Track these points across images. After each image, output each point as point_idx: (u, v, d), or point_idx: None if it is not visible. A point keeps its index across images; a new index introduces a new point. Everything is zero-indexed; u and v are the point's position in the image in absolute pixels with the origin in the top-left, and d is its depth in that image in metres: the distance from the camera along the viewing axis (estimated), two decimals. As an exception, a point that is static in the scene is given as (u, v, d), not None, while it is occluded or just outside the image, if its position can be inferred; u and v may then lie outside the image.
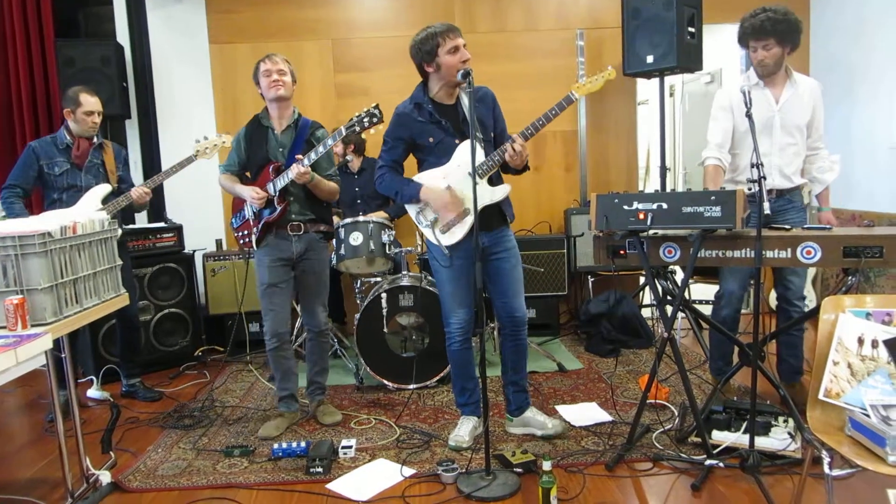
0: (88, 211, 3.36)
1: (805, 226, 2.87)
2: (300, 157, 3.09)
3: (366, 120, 3.03)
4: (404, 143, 2.97)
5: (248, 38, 5.08)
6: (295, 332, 4.23)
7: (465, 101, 2.91)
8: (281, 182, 3.15)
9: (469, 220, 2.88)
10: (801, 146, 3.22)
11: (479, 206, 2.79)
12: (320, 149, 3.10)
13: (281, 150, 3.24)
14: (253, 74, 3.22)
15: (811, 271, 4.90)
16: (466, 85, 2.68)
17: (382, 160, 3.01)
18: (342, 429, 3.35)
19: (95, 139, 3.69)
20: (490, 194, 2.89)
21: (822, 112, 3.25)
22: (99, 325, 4.13)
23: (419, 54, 2.85)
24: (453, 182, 2.89)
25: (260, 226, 3.23)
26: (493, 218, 2.93)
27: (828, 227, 2.71)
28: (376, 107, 3.02)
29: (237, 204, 3.38)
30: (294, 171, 3.05)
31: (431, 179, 2.93)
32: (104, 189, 3.51)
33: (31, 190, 3.64)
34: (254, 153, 3.27)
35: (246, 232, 3.31)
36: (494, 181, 2.94)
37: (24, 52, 4.84)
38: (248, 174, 3.35)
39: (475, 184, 2.60)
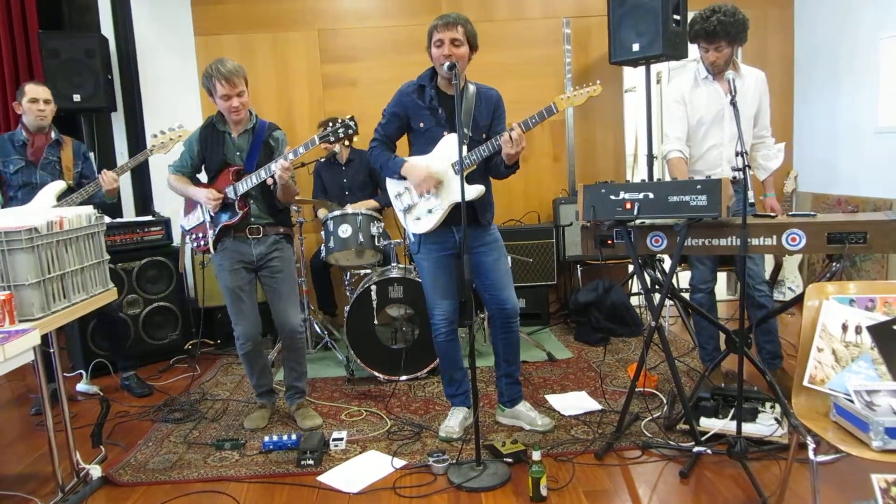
0: (42, 208, 3.31)
1: (790, 213, 2.89)
2: (288, 150, 3.06)
3: (340, 131, 3.00)
4: (399, 119, 2.97)
5: (234, 29, 5.04)
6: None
7: (468, 94, 2.90)
8: (244, 186, 3.09)
9: (438, 213, 2.90)
10: (749, 137, 3.29)
11: (453, 203, 2.85)
12: (300, 149, 3.01)
13: (239, 153, 3.17)
14: (204, 82, 3.04)
15: (796, 259, 4.94)
16: (452, 77, 2.67)
17: (376, 133, 3.02)
18: (333, 421, 3.36)
19: (53, 135, 3.64)
20: (466, 192, 2.77)
21: (768, 101, 3.33)
22: (87, 318, 4.09)
23: (427, 42, 2.87)
24: (434, 173, 2.89)
25: (217, 229, 3.17)
26: (468, 215, 2.82)
27: (812, 213, 2.72)
28: (352, 118, 3.01)
29: (189, 205, 3.32)
30: (278, 167, 2.97)
31: (416, 161, 2.95)
32: (58, 186, 3.49)
33: None
34: (210, 156, 3.19)
35: (201, 234, 3.24)
36: (472, 181, 2.86)
37: (8, 43, 4.79)
38: (198, 176, 3.30)
39: (462, 176, 2.61)
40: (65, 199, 3.47)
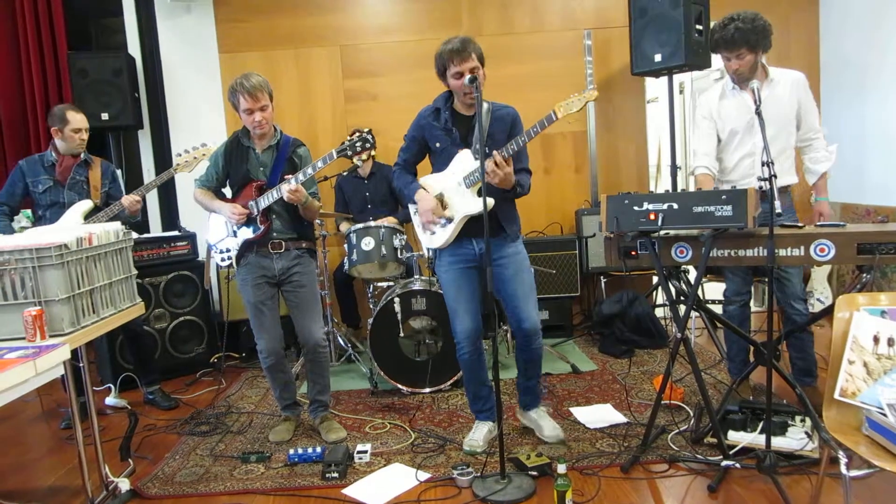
0: (69, 227, 3.40)
1: (818, 223, 2.85)
2: (289, 177, 3.09)
3: (357, 145, 3.05)
4: (417, 143, 3.04)
5: (257, 46, 5.12)
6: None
7: (482, 113, 2.89)
8: (265, 201, 3.13)
9: (451, 228, 2.94)
10: (786, 143, 3.18)
11: (467, 215, 2.89)
12: (308, 170, 3.07)
13: (262, 168, 3.21)
14: (230, 96, 3.08)
15: (825, 270, 4.86)
16: (474, 90, 2.69)
17: (399, 157, 3.12)
18: (357, 433, 3.36)
19: (82, 155, 3.71)
20: (477, 205, 2.80)
21: (811, 102, 3.20)
22: (116, 333, 4.15)
23: (436, 68, 2.91)
24: (446, 189, 2.94)
25: (240, 244, 3.22)
26: (491, 225, 2.81)
27: (842, 224, 2.68)
28: (369, 132, 3.06)
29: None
30: (285, 191, 3.02)
31: (429, 184, 3.02)
32: (85, 205, 3.58)
33: (17, 207, 3.70)
34: (234, 171, 3.23)
35: (225, 249, 3.29)
36: (489, 194, 2.78)
37: (38, 64, 4.91)
38: (223, 190, 3.34)
39: (484, 189, 2.62)
40: (91, 219, 3.55)
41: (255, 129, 3.14)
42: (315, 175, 3.17)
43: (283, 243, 3.21)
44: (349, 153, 3.06)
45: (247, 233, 3.20)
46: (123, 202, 3.59)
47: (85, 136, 3.67)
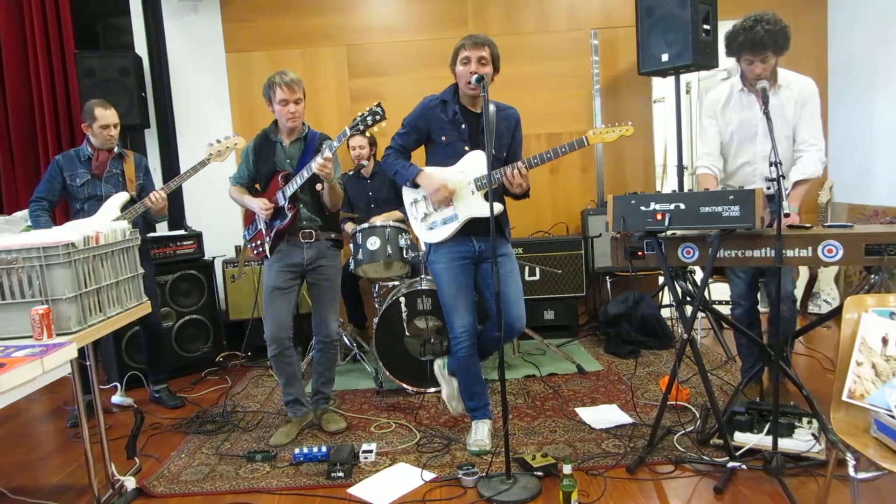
0: (107, 219, 3.47)
1: (826, 224, 2.83)
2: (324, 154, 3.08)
3: (368, 118, 3.01)
4: (418, 132, 3.02)
5: (264, 45, 5.13)
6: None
7: (489, 112, 2.92)
8: (291, 188, 3.17)
9: (454, 226, 2.95)
10: (787, 149, 3.08)
11: (473, 217, 2.91)
12: (335, 143, 3.05)
13: (289, 161, 3.26)
14: (265, 90, 3.17)
15: (832, 271, 4.84)
16: (481, 90, 2.70)
17: (393, 141, 3.07)
18: (362, 433, 3.36)
19: (116, 149, 3.76)
20: (483, 208, 2.85)
21: (814, 111, 3.06)
22: (122, 332, 4.17)
23: (451, 56, 2.93)
24: (452, 186, 2.94)
25: (272, 234, 3.26)
26: (488, 228, 2.79)
27: (849, 224, 2.67)
28: (378, 105, 3.01)
29: (249, 216, 3.42)
30: (318, 161, 3.00)
31: (433, 172, 2.98)
32: (122, 197, 3.62)
33: (56, 202, 3.73)
34: (262, 166, 3.29)
35: (259, 242, 3.35)
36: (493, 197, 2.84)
37: (46, 64, 4.93)
38: (257, 186, 3.38)
39: (490, 192, 2.63)
40: (127, 211, 3.60)
41: (287, 122, 3.17)
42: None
43: (313, 232, 3.26)
44: (361, 127, 3.01)
45: (276, 224, 3.25)
46: (147, 202, 3.60)
47: (114, 132, 3.70)
